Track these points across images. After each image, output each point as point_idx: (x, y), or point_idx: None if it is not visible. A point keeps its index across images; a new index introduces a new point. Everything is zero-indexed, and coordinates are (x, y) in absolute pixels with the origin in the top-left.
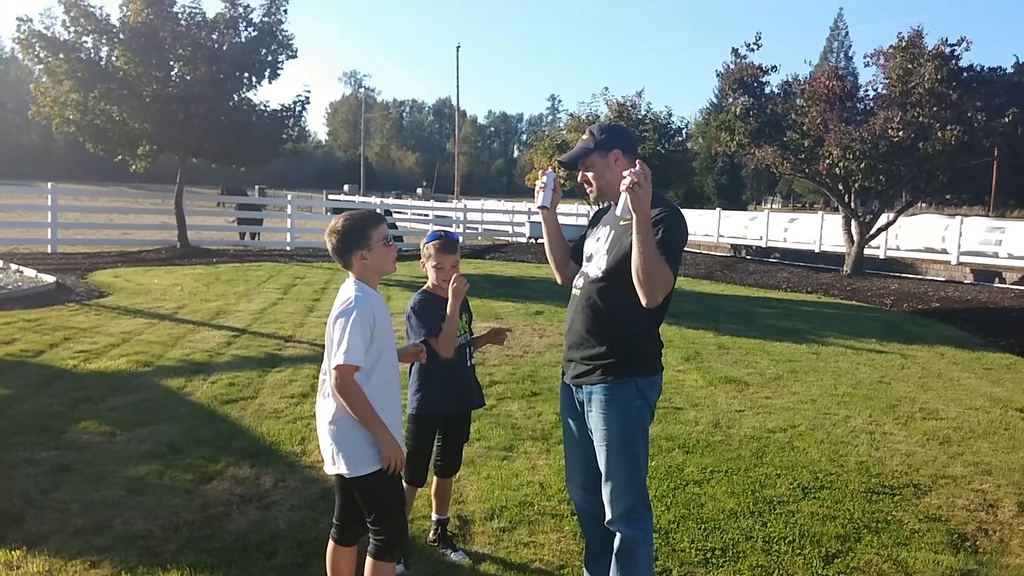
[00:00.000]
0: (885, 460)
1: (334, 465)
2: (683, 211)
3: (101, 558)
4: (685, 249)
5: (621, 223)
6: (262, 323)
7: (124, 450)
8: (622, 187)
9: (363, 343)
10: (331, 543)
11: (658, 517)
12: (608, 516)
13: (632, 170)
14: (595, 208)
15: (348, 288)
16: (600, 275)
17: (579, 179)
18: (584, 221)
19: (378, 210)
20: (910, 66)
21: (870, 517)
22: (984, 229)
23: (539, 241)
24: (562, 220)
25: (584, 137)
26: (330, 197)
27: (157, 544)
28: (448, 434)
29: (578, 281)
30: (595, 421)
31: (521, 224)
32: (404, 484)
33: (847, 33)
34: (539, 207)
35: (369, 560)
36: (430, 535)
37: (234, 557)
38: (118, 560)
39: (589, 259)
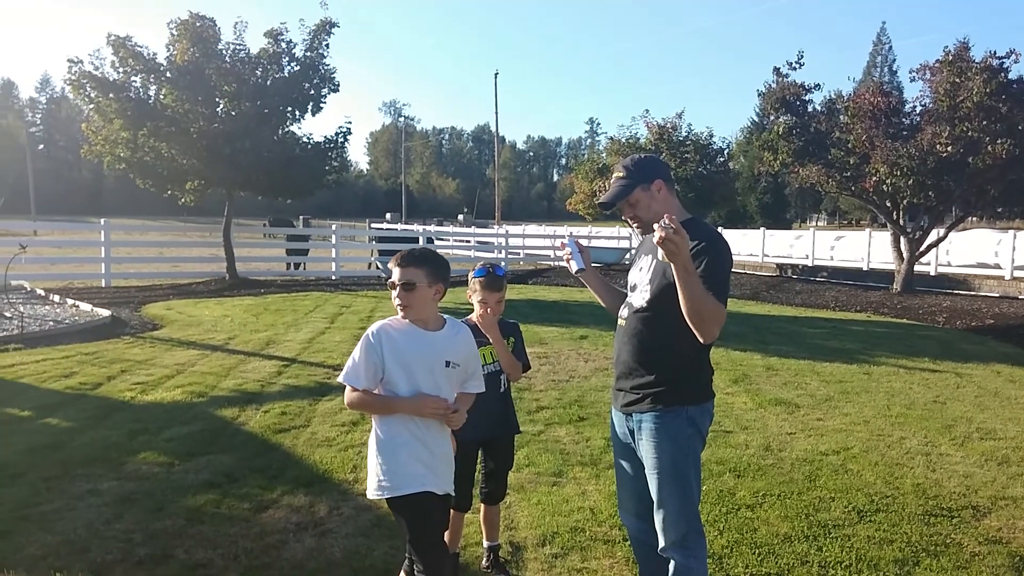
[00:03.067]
0: (942, 482)
1: (369, 487)
2: (726, 231)
3: None
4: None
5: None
6: (311, 352)
7: (183, 480)
8: (655, 240)
9: (364, 365)
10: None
11: (711, 542)
12: (661, 543)
13: (661, 223)
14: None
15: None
16: (645, 305)
17: (623, 217)
18: (625, 244)
19: (423, 238)
20: (957, 80)
21: (928, 540)
22: None
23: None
24: (603, 244)
25: (619, 174)
26: (372, 226)
27: (218, 572)
28: (489, 461)
29: (623, 311)
30: (646, 449)
31: (561, 248)
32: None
33: (890, 47)
34: (576, 272)
35: None
36: (483, 562)
37: None
38: None
39: (633, 289)
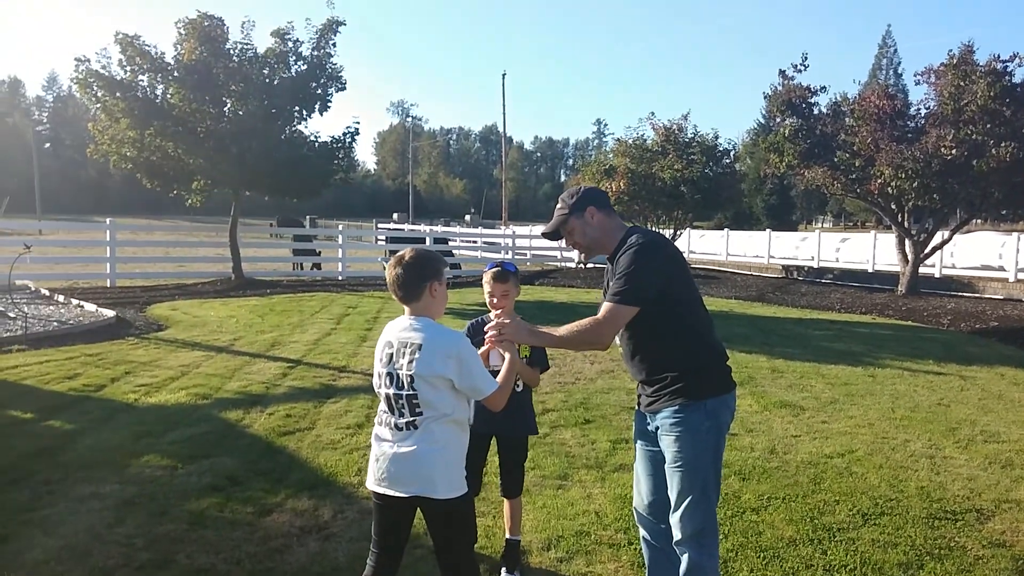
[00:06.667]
0: (946, 485)
1: (427, 489)
2: (732, 233)
3: None
4: (735, 271)
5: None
6: (316, 354)
7: (186, 483)
8: (496, 341)
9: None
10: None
11: None
12: (676, 537)
13: (491, 334)
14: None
15: (428, 326)
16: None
17: (567, 244)
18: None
19: (429, 239)
20: (962, 83)
21: (932, 543)
22: None
23: (588, 267)
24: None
25: (559, 207)
26: (380, 226)
27: None
28: (503, 455)
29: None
30: (666, 444)
31: (570, 249)
32: None
33: (896, 50)
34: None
35: None
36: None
37: None
38: None
39: None
